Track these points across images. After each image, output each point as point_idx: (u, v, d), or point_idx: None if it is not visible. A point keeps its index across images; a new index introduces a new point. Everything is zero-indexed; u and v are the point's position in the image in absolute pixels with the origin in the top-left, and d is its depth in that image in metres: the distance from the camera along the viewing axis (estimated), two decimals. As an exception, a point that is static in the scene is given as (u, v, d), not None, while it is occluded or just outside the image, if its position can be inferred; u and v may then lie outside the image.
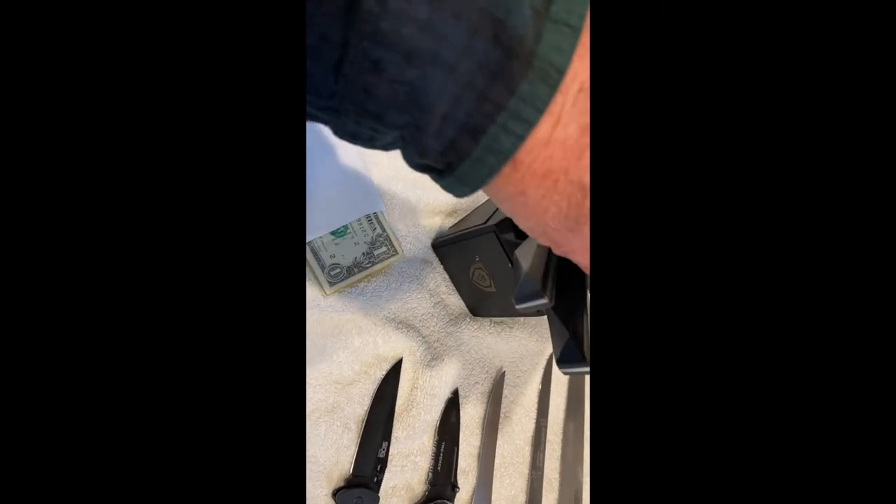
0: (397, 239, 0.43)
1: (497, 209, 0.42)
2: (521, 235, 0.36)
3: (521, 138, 0.15)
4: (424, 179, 0.49)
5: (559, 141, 0.16)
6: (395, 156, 0.55)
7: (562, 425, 0.51)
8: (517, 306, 0.25)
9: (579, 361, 0.26)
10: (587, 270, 0.20)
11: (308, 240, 0.40)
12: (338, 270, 0.40)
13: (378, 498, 0.40)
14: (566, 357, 0.27)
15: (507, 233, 0.38)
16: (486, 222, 0.39)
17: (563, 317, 0.28)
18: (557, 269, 0.29)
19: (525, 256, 0.27)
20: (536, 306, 0.24)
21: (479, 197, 0.50)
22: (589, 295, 0.30)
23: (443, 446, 0.44)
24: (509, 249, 0.38)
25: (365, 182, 0.43)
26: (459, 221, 0.48)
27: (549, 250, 0.28)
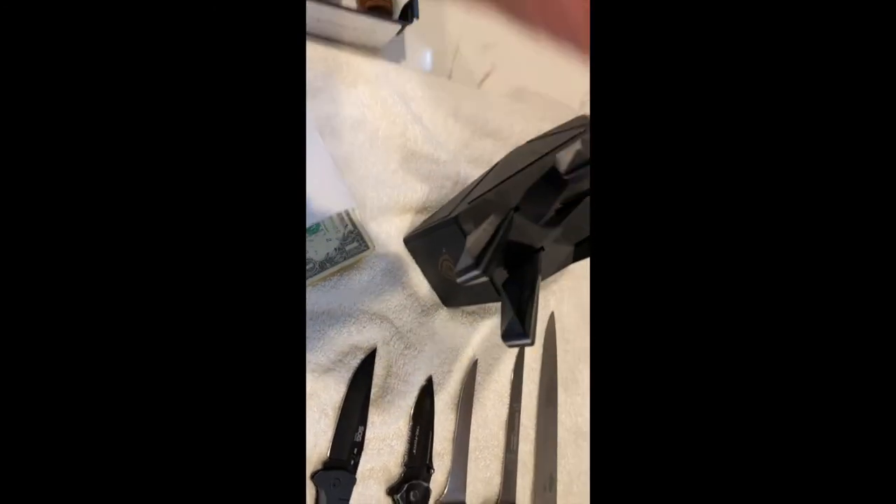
0: (368, 235, 0.46)
1: (461, 201, 0.44)
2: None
3: None
4: (395, 179, 0.51)
5: None
6: (366, 156, 0.57)
7: (535, 411, 0.53)
8: (457, 280, 0.28)
9: (520, 336, 0.29)
10: None
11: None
12: (310, 265, 0.43)
13: (355, 479, 0.42)
14: (509, 333, 0.29)
15: (468, 223, 0.40)
16: (449, 215, 0.41)
17: (512, 297, 0.31)
18: (507, 252, 0.32)
19: (472, 236, 0.30)
20: (472, 277, 0.27)
21: (449, 193, 0.53)
22: (539, 277, 0.33)
23: (418, 430, 0.46)
24: None
25: (336, 181, 0.46)
26: (429, 217, 0.50)
27: (495, 231, 0.31)
